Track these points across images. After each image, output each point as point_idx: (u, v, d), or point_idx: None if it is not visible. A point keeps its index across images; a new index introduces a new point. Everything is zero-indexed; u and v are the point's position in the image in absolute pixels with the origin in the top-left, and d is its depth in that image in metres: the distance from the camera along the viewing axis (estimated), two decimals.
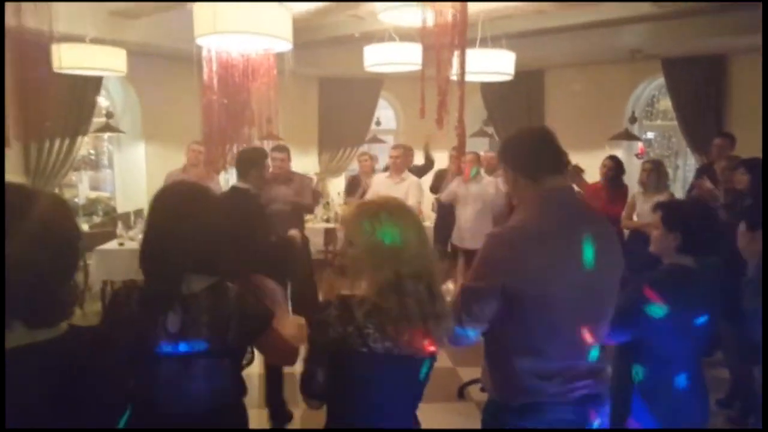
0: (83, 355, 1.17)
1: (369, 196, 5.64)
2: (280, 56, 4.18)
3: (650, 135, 8.78)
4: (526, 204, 1.81)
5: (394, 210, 1.64)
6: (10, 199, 1.13)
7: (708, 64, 6.77)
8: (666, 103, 8.00)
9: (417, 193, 5.52)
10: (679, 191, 7.70)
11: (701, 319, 2.12)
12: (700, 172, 5.48)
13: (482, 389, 2.00)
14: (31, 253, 1.09)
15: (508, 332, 1.76)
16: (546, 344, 1.73)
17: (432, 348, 1.61)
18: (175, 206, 1.71)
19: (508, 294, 1.69)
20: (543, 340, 1.72)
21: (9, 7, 2.78)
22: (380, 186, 5.63)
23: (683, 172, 8.16)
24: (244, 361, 1.81)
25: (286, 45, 3.65)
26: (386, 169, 6.33)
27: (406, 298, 1.54)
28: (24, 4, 2.85)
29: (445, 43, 3.16)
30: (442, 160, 7.19)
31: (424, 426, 1.78)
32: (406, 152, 6.02)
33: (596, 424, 1.79)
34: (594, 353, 1.79)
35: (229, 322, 1.68)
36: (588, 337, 1.76)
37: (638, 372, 2.12)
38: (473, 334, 1.78)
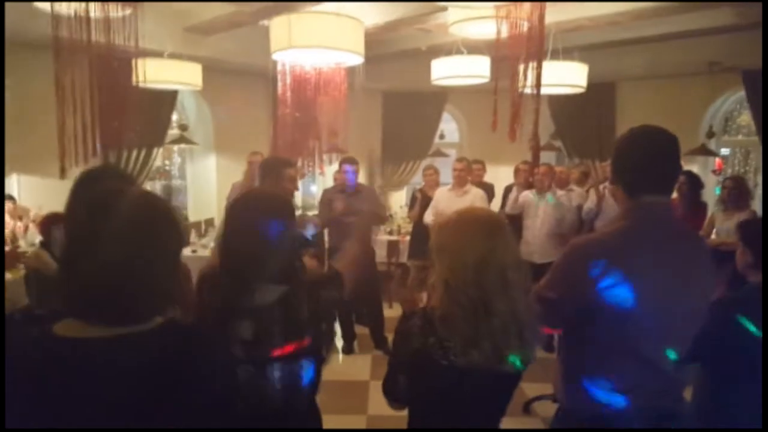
0: (178, 351, 1.16)
1: (432, 209, 5.61)
2: (348, 70, 4.23)
3: (725, 151, 8.39)
4: (619, 215, 1.75)
5: (463, 220, 1.62)
6: (93, 195, 1.16)
7: None
8: (745, 118, 7.64)
9: (482, 206, 5.42)
10: (759, 209, 7.31)
11: None
12: None
13: (554, 400, 1.94)
14: (117, 253, 1.10)
15: (584, 343, 1.71)
16: (622, 358, 1.67)
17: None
18: (251, 216, 1.69)
19: (585, 305, 1.64)
20: (619, 353, 1.66)
21: (100, 25, 2.93)
22: (443, 199, 5.58)
23: (762, 189, 7.75)
24: (325, 353, 1.79)
25: (357, 59, 3.70)
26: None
27: (464, 311, 1.51)
28: (113, 21, 3.00)
29: (519, 55, 3.10)
30: (509, 174, 7.08)
31: None
32: (470, 165, 5.94)
33: None
34: (673, 371, 1.72)
35: (304, 327, 1.68)
36: (667, 354, 1.69)
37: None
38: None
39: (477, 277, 1.50)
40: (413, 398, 1.64)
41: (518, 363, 1.57)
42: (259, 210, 1.71)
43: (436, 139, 9.30)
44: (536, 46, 3.00)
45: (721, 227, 4.87)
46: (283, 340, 1.64)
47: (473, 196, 5.48)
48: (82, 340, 1.11)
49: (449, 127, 9.85)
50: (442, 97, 8.85)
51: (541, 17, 2.93)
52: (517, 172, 6.10)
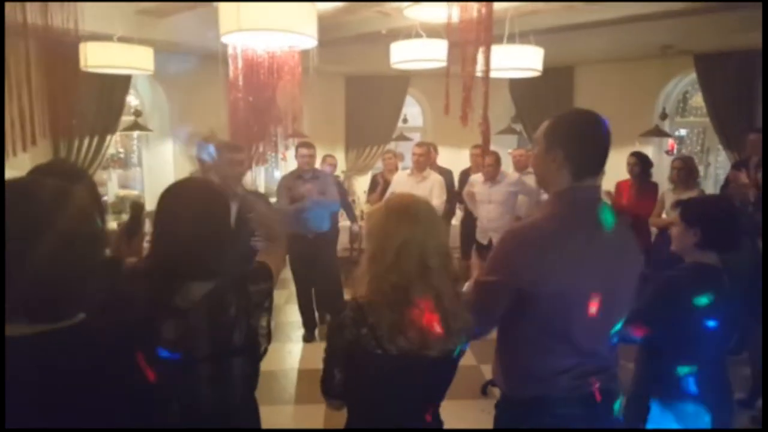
0: (98, 347, 1.15)
1: (390, 194, 5.59)
2: (305, 54, 4.17)
3: (683, 132, 8.60)
4: (551, 199, 1.76)
5: (387, 207, 1.63)
6: (15, 190, 1.11)
7: (741, 60, 6.58)
8: (698, 100, 7.83)
9: (440, 192, 5.43)
10: (710, 188, 7.53)
11: (724, 318, 2.06)
12: (737, 167, 5.34)
13: (493, 384, 1.98)
14: (34, 248, 1.06)
15: (520, 328, 1.73)
16: (558, 341, 1.70)
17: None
18: (176, 208, 1.61)
19: (521, 291, 1.66)
20: (555, 337, 1.69)
21: (35, 6, 2.80)
22: (401, 184, 5.57)
23: (714, 169, 7.99)
24: (261, 350, 1.73)
25: (311, 42, 3.64)
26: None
27: (387, 298, 1.53)
28: (50, 4, 2.87)
29: (470, 40, 3.10)
30: (464, 158, 7.12)
31: (446, 423, 1.76)
32: (430, 150, 5.95)
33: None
34: (606, 350, 1.78)
35: (234, 326, 1.62)
36: (600, 335, 1.74)
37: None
38: (484, 330, 1.76)
39: (397, 262, 1.51)
40: (350, 392, 1.63)
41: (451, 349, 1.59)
42: (188, 204, 1.62)
43: (400, 123, 9.29)
44: (485, 29, 3.00)
45: (670, 207, 4.99)
46: (210, 339, 1.59)
47: (432, 182, 5.49)
48: (4, 338, 1.08)
49: (413, 111, 9.84)
50: (404, 80, 8.82)
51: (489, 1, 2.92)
52: (473, 158, 6.20)
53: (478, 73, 3.36)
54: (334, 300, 5.34)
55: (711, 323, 2.02)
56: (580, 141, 1.70)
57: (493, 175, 5.31)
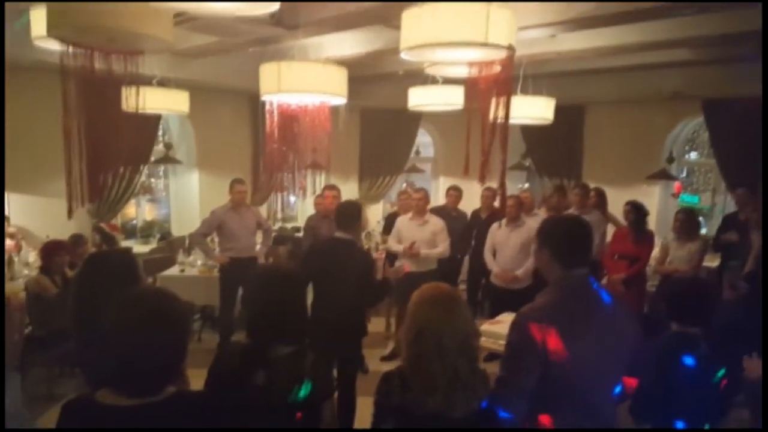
0: (187, 420, 1.47)
1: (392, 237, 5.75)
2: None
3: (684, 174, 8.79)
4: (551, 287, 2.06)
5: (417, 293, 1.98)
6: (121, 303, 1.52)
7: (746, 107, 6.76)
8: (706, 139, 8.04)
9: (444, 236, 5.50)
10: (715, 226, 7.74)
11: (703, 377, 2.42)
12: (726, 223, 5.64)
13: None
14: (138, 340, 1.46)
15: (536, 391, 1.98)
16: (563, 401, 1.96)
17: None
18: (267, 292, 2.05)
19: (538, 366, 1.91)
20: (561, 397, 1.95)
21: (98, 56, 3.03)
22: (404, 228, 5.63)
23: (722, 207, 8.18)
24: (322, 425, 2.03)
25: (341, 100, 3.96)
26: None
27: (413, 368, 1.88)
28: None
29: (488, 106, 3.31)
30: (474, 191, 7.28)
31: None
32: (428, 195, 5.86)
33: None
34: (605, 408, 2.05)
35: (302, 385, 1.93)
36: (598, 395, 2.03)
37: None
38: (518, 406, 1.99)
39: (416, 340, 1.87)
40: None
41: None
42: (273, 289, 2.04)
43: (412, 155, 9.60)
44: (505, 90, 3.21)
45: (675, 255, 5.25)
46: (286, 392, 1.92)
47: (433, 226, 5.55)
48: (117, 407, 1.45)
49: (424, 141, 10.12)
50: (417, 113, 9.08)
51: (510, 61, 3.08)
52: (481, 198, 6.48)
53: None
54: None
55: (692, 381, 2.34)
56: (562, 241, 2.05)
57: (515, 216, 5.43)
